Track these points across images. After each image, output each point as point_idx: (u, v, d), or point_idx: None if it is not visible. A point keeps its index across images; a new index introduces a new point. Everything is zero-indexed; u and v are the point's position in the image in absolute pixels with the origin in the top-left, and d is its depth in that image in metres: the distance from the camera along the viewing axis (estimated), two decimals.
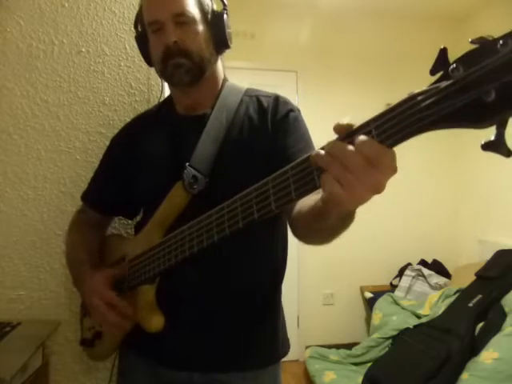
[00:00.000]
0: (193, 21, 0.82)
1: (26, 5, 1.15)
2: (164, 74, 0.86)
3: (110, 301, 0.81)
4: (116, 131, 1.04)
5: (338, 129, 0.47)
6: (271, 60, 3.06)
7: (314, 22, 3.13)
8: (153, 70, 1.17)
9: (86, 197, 1.02)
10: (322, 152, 0.47)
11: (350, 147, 0.44)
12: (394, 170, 0.44)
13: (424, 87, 0.41)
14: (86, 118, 1.18)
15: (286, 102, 0.89)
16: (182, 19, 0.81)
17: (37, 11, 1.16)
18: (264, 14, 3.06)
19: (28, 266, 1.16)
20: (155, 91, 1.20)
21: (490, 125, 0.38)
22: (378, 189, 0.45)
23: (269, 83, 2.64)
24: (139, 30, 0.92)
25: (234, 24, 0.89)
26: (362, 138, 0.44)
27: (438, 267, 3.05)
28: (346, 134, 0.46)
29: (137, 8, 0.94)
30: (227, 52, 0.91)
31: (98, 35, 1.18)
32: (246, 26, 2.95)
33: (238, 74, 1.52)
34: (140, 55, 0.94)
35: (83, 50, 1.18)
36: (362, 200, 0.47)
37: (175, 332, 0.82)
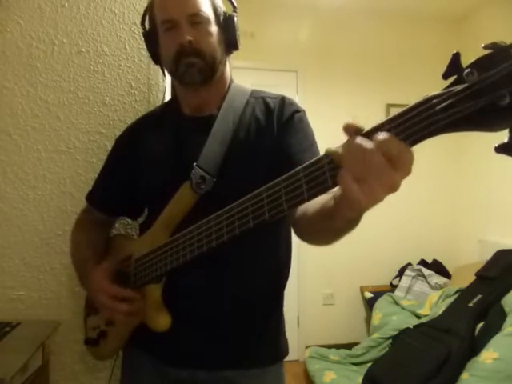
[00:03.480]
0: (207, 21, 0.83)
1: (25, 5, 1.15)
2: (175, 73, 0.86)
3: (112, 293, 0.81)
4: (116, 131, 1.04)
5: (349, 128, 0.46)
6: (271, 60, 3.06)
7: (314, 21, 3.13)
8: (153, 70, 1.17)
9: (90, 197, 1.02)
10: (341, 149, 0.46)
11: (370, 144, 0.44)
12: (411, 169, 0.44)
13: (438, 91, 0.41)
14: (86, 117, 1.18)
15: (292, 103, 0.90)
16: (196, 19, 0.82)
17: (37, 11, 1.16)
18: (264, 13, 3.05)
19: (28, 266, 1.16)
20: (155, 91, 1.20)
21: (504, 128, 0.38)
22: (395, 188, 0.44)
23: (269, 83, 2.64)
24: (147, 27, 0.92)
25: None
26: (385, 135, 0.43)
27: (437, 267, 3.05)
28: (362, 134, 0.46)
29: (137, 8, 0.94)
30: None
31: (98, 35, 1.18)
32: (246, 26, 2.94)
33: (238, 73, 1.51)
34: (140, 55, 0.94)
35: (83, 49, 1.18)
36: (377, 199, 0.46)
37: (180, 330, 0.83)
